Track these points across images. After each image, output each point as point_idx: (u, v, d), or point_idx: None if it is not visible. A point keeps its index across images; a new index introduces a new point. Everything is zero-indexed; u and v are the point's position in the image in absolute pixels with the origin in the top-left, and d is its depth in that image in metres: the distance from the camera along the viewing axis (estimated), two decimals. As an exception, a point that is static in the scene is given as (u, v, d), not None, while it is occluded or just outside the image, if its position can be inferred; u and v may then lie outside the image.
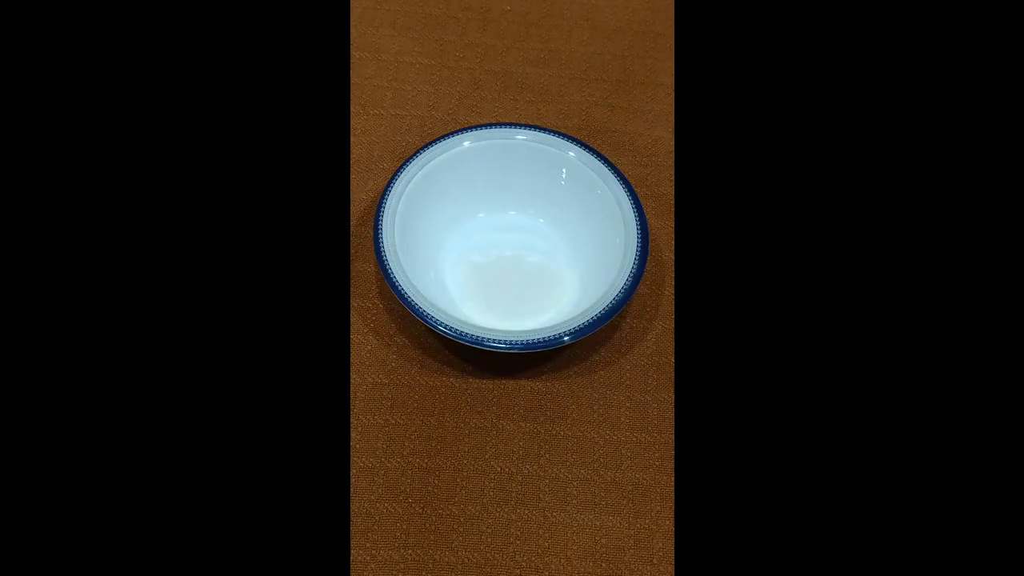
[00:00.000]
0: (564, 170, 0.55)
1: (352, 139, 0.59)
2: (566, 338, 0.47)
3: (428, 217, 0.54)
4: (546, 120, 0.61)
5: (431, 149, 0.54)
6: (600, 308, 0.48)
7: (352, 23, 0.64)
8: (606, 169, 0.54)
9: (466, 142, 0.55)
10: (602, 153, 0.55)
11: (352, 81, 0.61)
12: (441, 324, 0.47)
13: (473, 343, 0.47)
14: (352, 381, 0.49)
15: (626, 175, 0.59)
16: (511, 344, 0.46)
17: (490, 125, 0.55)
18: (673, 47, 0.65)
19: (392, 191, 0.52)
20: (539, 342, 0.47)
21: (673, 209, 0.57)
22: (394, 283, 0.48)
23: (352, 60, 0.62)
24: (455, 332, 0.47)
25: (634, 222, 0.52)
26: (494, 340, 0.47)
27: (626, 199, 0.53)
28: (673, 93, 0.63)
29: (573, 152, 0.55)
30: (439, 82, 0.62)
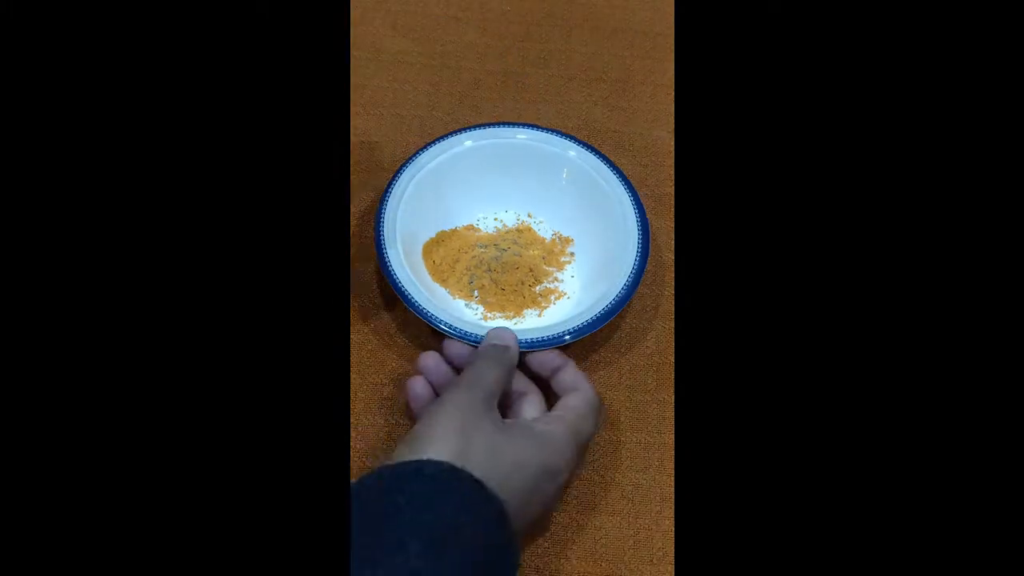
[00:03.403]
0: (565, 170, 0.55)
1: (352, 139, 0.59)
2: (567, 337, 0.47)
3: (429, 216, 0.54)
4: (546, 120, 0.61)
5: (432, 149, 0.54)
6: (600, 307, 0.48)
7: (352, 23, 0.64)
8: (607, 168, 0.54)
9: (467, 142, 0.55)
10: (603, 152, 0.55)
11: (352, 81, 0.61)
12: (443, 323, 0.47)
13: (475, 342, 0.46)
14: (352, 381, 0.49)
15: (626, 175, 0.59)
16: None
17: (491, 124, 0.55)
18: (673, 47, 0.65)
19: (394, 190, 0.52)
20: (539, 341, 0.47)
21: (673, 209, 0.57)
22: (395, 281, 0.48)
23: (352, 60, 0.62)
24: (457, 331, 0.47)
25: (635, 221, 0.52)
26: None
27: (627, 198, 0.53)
28: (673, 93, 0.63)
29: (574, 151, 0.55)
30: (439, 82, 0.62)
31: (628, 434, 0.49)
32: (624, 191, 0.53)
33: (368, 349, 0.51)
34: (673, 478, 0.47)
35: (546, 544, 0.45)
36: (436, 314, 0.47)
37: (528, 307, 0.51)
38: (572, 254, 0.54)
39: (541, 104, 0.62)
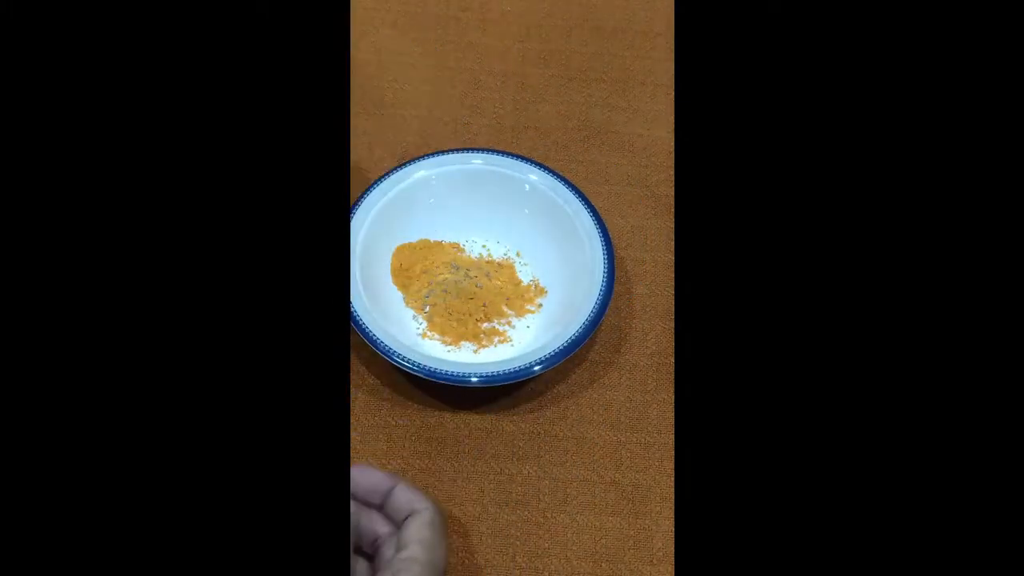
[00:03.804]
0: (528, 189, 0.54)
1: (352, 139, 0.59)
2: (536, 368, 0.47)
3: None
4: (546, 120, 0.61)
5: (387, 180, 0.53)
6: (564, 340, 0.48)
7: (352, 23, 0.64)
8: (568, 191, 0.53)
9: (419, 171, 0.54)
10: (602, 153, 0.55)
11: (352, 81, 0.61)
12: (406, 360, 0.47)
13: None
14: (352, 381, 0.50)
15: (626, 175, 0.59)
16: (485, 378, 0.46)
17: (448, 152, 0.55)
18: (673, 47, 0.65)
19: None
20: (507, 374, 0.46)
21: (673, 209, 0.57)
22: (359, 324, 0.48)
23: (352, 60, 0.62)
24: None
25: (602, 268, 0.51)
26: (452, 373, 0.46)
27: (593, 227, 0.52)
28: (673, 93, 0.63)
29: (535, 175, 0.54)
30: (439, 82, 0.62)
31: (628, 434, 0.49)
32: (589, 217, 0.52)
33: (368, 349, 0.51)
34: (673, 478, 0.47)
35: (546, 544, 0.45)
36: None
37: (467, 340, 0.51)
38: (540, 305, 0.53)
39: (541, 104, 0.62)
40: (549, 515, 0.46)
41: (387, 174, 0.53)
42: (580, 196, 0.53)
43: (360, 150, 0.58)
